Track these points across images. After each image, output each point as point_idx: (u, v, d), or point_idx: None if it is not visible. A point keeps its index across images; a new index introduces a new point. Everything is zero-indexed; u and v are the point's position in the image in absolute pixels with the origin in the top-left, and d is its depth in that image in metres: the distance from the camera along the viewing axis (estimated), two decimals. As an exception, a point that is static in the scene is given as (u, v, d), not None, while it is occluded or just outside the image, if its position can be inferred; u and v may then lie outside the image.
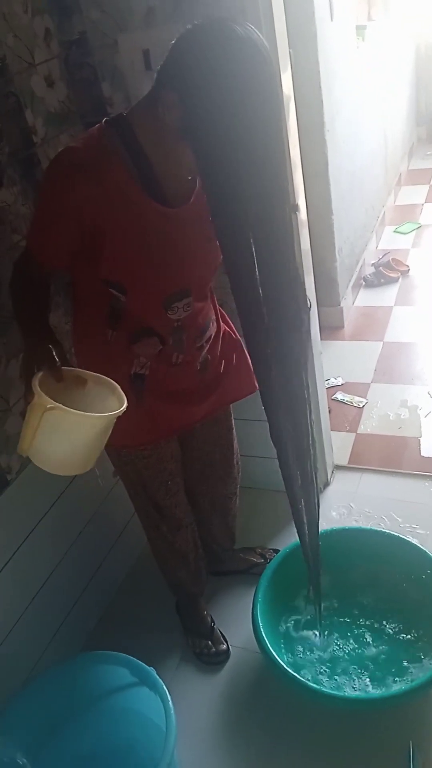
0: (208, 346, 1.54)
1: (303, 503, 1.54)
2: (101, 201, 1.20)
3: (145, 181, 1.23)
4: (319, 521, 1.61)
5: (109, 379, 1.28)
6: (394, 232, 4.09)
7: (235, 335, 1.65)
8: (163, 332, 1.42)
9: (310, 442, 1.44)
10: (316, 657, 1.79)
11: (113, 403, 1.24)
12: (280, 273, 1.22)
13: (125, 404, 1.22)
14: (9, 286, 1.37)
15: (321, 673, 1.75)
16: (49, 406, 1.13)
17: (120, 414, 1.20)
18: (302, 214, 1.84)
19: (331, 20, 2.72)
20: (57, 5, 1.62)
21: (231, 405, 1.76)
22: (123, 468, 1.67)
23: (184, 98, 1.08)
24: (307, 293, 1.38)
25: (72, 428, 1.19)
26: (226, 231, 1.18)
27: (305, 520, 1.58)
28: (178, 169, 1.25)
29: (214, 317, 1.55)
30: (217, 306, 1.59)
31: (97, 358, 1.45)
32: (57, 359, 1.23)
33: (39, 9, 1.59)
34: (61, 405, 1.13)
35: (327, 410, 2.39)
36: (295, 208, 1.77)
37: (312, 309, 2.03)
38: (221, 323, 1.61)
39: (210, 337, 1.54)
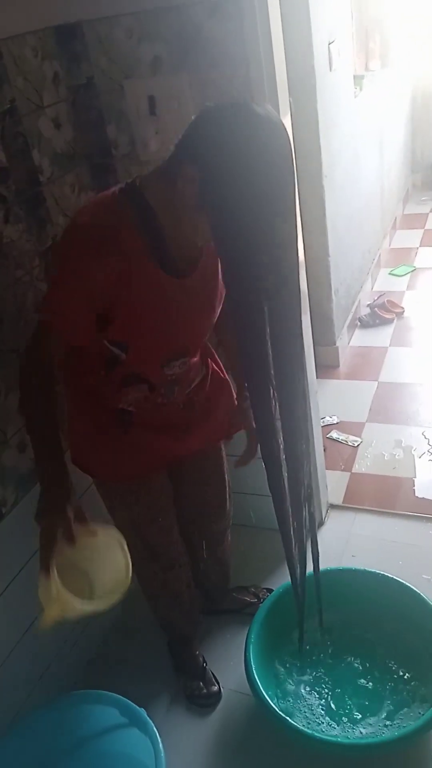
0: (194, 387, 1.56)
1: (297, 548, 1.54)
2: (121, 274, 1.22)
3: (157, 252, 1.25)
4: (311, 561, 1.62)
5: (116, 532, 1.32)
6: (390, 274, 4.15)
7: (223, 374, 1.67)
8: (157, 384, 1.45)
9: (309, 491, 1.45)
10: (309, 700, 1.77)
11: (119, 557, 1.29)
12: (290, 336, 1.25)
13: (131, 569, 1.28)
14: (21, 386, 1.30)
15: (314, 716, 1.72)
16: (69, 608, 1.20)
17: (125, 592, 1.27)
18: (300, 256, 1.87)
19: (330, 70, 2.80)
20: (66, 51, 1.68)
21: (222, 442, 1.77)
22: (113, 503, 1.65)
23: (206, 174, 1.10)
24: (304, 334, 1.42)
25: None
26: (241, 299, 1.21)
27: (297, 565, 1.58)
28: (188, 239, 1.27)
29: (203, 364, 1.58)
30: (206, 345, 1.62)
31: (87, 391, 1.47)
32: (72, 520, 1.24)
33: (48, 54, 1.64)
34: (78, 603, 1.21)
35: (322, 449, 2.40)
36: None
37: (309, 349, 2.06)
38: (210, 363, 1.63)
39: (198, 382, 1.56)
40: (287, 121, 1.71)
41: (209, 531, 1.90)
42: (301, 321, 1.27)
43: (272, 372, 1.27)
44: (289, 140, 1.12)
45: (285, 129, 1.11)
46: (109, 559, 1.29)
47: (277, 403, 1.31)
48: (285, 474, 1.41)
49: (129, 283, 1.23)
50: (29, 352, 1.29)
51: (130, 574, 1.28)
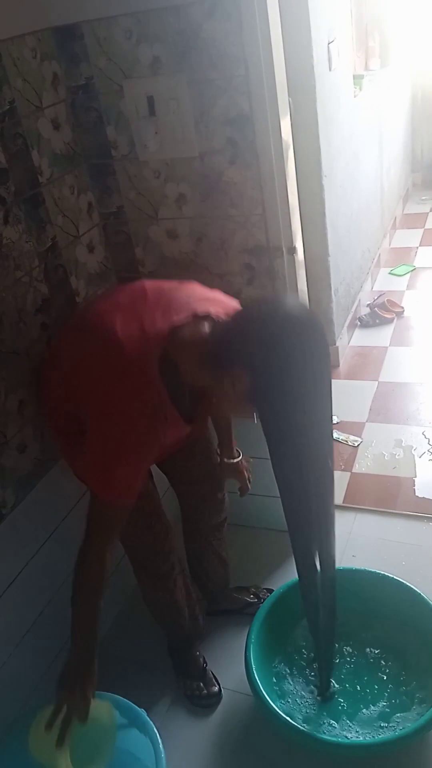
0: None
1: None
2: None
3: (185, 415, 1.40)
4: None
5: (108, 703, 1.51)
6: (390, 274, 4.15)
7: None
8: None
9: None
10: (310, 700, 1.77)
11: (108, 724, 1.49)
12: (325, 476, 1.35)
13: (116, 737, 1.48)
14: (85, 574, 1.39)
15: (315, 717, 1.72)
16: None
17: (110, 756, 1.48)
18: (299, 255, 1.87)
19: (330, 70, 2.80)
20: (65, 52, 1.68)
21: (209, 436, 1.81)
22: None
23: (257, 381, 1.17)
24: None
25: None
26: (284, 463, 1.30)
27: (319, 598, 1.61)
28: (219, 411, 1.50)
29: None
30: None
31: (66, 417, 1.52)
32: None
33: (47, 55, 1.64)
34: None
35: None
36: (293, 250, 1.81)
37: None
38: None
39: None
40: (287, 122, 1.70)
41: (208, 525, 1.91)
42: (332, 459, 1.36)
43: (312, 514, 1.38)
44: (326, 337, 1.21)
45: (321, 325, 1.21)
46: (97, 725, 1.45)
47: (318, 550, 1.45)
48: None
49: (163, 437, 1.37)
50: (97, 549, 1.38)
51: (115, 741, 1.48)
